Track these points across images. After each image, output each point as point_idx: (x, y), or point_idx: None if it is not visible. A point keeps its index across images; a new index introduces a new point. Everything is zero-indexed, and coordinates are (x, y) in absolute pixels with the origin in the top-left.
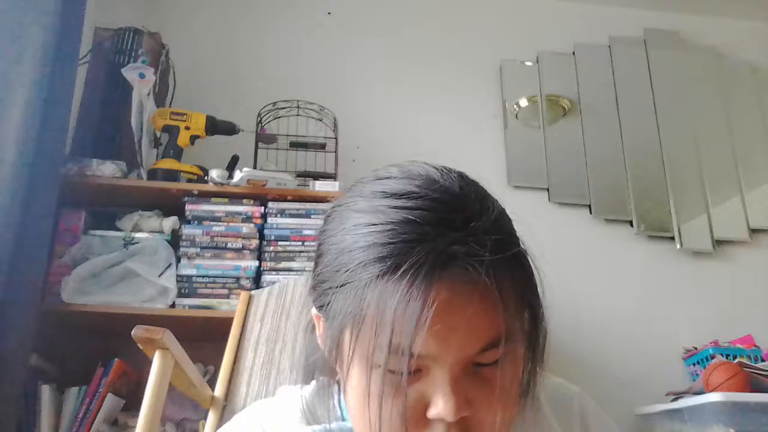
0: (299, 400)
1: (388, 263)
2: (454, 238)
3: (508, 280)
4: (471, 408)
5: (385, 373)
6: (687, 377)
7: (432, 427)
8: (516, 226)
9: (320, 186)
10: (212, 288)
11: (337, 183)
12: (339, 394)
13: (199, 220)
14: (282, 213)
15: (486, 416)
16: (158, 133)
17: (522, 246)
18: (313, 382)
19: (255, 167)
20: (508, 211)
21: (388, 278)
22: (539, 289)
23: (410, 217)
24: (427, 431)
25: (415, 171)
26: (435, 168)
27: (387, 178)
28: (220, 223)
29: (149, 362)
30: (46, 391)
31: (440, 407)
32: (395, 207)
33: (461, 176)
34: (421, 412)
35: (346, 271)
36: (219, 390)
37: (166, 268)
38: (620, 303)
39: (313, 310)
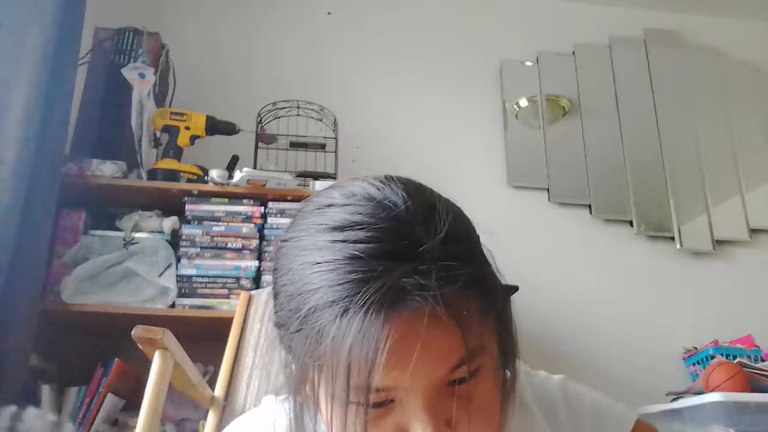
0: (281, 416)
1: (339, 306)
2: (401, 271)
3: (465, 300)
4: (453, 430)
5: (350, 410)
6: (687, 377)
7: None
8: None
9: (320, 186)
10: (212, 288)
11: None
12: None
13: (199, 220)
14: (282, 213)
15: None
16: (158, 133)
17: (477, 255)
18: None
19: (255, 167)
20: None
21: (340, 322)
22: (500, 288)
23: (355, 252)
24: None
25: (357, 194)
26: (376, 186)
27: (329, 206)
28: (220, 223)
29: (149, 362)
30: (46, 391)
31: None
32: (339, 241)
33: (405, 189)
34: None
35: (298, 318)
36: (219, 390)
37: (166, 268)
38: (620, 303)
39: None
